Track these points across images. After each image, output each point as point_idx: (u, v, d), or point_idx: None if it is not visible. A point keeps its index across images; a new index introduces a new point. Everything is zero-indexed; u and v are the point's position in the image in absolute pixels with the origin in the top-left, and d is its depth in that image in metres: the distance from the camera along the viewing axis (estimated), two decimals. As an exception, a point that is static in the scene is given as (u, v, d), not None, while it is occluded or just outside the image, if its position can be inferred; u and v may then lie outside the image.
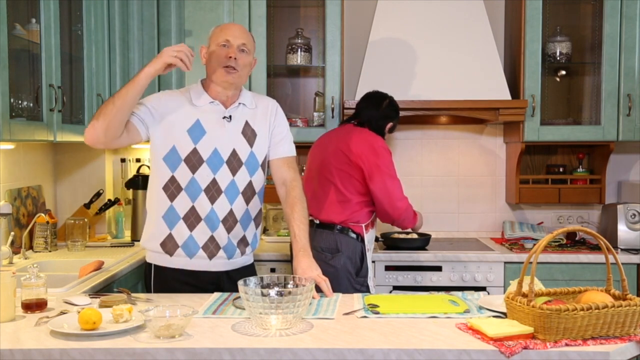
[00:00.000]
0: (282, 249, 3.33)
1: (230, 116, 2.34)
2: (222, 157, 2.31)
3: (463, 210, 3.89)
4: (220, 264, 2.36)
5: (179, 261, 2.33)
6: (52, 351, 1.64)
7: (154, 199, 2.34)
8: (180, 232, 2.30)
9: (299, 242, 2.30)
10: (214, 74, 2.32)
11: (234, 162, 2.32)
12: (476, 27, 3.49)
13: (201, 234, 2.31)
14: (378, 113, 3.01)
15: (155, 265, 2.37)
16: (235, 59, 2.29)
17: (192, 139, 2.29)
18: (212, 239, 2.32)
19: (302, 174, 3.19)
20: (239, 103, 2.37)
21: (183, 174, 2.28)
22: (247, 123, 2.38)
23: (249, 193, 2.37)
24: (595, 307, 1.66)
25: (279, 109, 2.48)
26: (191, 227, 2.30)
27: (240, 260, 2.42)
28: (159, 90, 3.18)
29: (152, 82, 3.30)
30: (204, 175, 2.29)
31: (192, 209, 2.29)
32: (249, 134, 2.37)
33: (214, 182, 2.30)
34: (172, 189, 2.29)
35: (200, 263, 2.34)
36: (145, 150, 3.77)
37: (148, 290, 2.41)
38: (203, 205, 2.29)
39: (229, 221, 2.33)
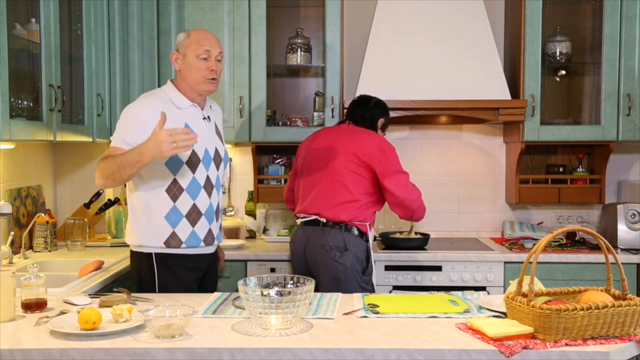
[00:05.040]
0: (282, 249, 3.33)
1: (208, 117, 2.55)
2: (210, 154, 2.49)
3: (463, 210, 3.89)
4: (212, 247, 2.58)
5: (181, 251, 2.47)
6: (52, 351, 1.65)
7: (155, 200, 2.43)
8: (184, 229, 2.44)
9: None
10: (196, 85, 2.45)
11: (217, 159, 2.54)
12: (476, 27, 3.49)
13: (201, 228, 2.47)
14: (367, 111, 3.06)
15: (156, 254, 2.43)
16: (215, 70, 2.45)
17: None
18: (210, 231, 2.51)
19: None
20: (209, 105, 2.59)
21: (184, 175, 2.43)
22: (215, 123, 2.61)
23: (224, 185, 2.72)
24: (595, 307, 1.66)
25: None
26: (193, 223, 2.45)
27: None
28: (159, 86, 3.20)
29: (151, 82, 3.37)
30: (201, 174, 2.45)
31: (194, 206, 2.45)
32: (219, 132, 2.62)
33: (207, 178, 2.48)
34: (174, 190, 2.43)
35: (199, 249, 2.51)
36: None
37: (148, 281, 2.43)
38: (203, 201, 2.47)
39: (218, 212, 2.58)
